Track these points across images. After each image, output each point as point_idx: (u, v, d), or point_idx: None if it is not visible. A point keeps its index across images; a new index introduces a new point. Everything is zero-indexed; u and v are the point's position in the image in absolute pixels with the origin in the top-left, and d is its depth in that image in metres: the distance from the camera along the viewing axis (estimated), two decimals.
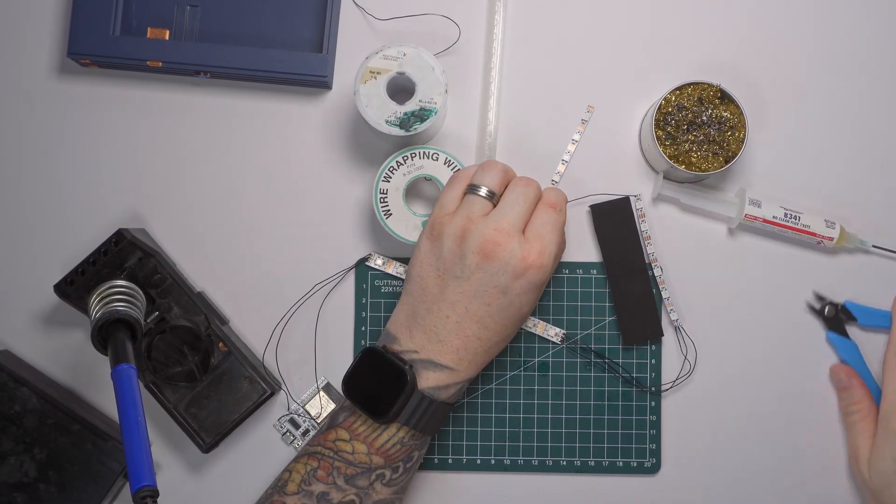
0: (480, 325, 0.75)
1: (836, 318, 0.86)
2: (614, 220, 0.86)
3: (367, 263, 0.86)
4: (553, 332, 0.86)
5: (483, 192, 0.76)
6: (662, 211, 0.87)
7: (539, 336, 0.86)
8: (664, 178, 0.85)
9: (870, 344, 0.86)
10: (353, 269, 0.87)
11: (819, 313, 0.86)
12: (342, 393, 0.77)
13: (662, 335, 0.86)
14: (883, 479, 0.80)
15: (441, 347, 0.75)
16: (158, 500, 0.60)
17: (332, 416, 0.79)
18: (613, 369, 0.86)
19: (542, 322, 0.86)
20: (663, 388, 0.86)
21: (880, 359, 0.86)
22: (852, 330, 0.86)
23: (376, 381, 0.75)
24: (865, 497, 0.83)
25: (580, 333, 0.86)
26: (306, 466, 0.75)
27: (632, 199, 0.86)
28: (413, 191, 0.86)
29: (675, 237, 0.87)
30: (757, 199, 0.84)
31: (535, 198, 0.77)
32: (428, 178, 0.83)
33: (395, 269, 0.86)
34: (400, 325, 0.77)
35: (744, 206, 0.84)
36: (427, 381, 0.75)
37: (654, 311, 0.86)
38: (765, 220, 0.84)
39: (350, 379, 0.77)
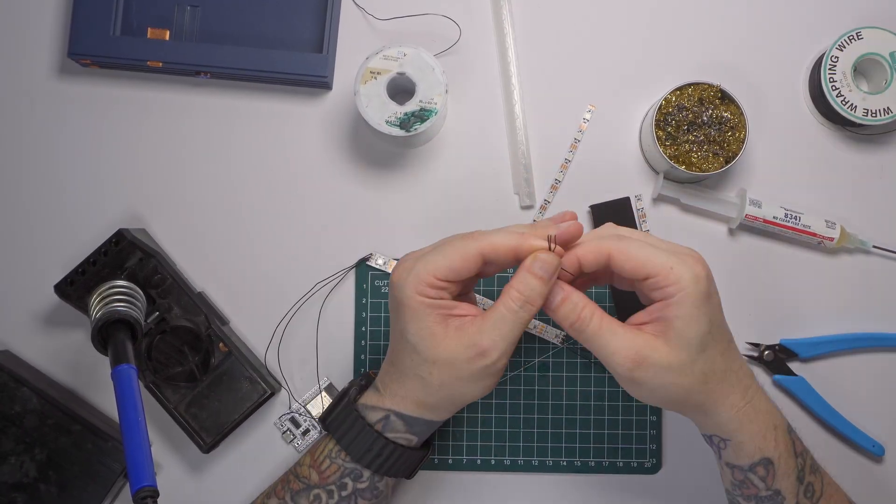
0: (391, 347, 0.73)
1: (776, 359, 0.86)
2: (615, 220, 0.86)
3: (368, 263, 0.86)
4: (553, 335, 0.86)
5: None
6: (663, 211, 0.87)
7: (539, 337, 0.86)
8: (664, 178, 0.85)
9: (814, 374, 0.85)
10: (354, 270, 0.87)
11: (759, 360, 0.86)
12: None
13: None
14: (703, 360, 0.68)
15: (380, 371, 0.75)
16: (159, 500, 0.60)
17: None
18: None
19: (542, 324, 0.86)
20: None
21: (824, 387, 0.85)
22: (794, 365, 0.86)
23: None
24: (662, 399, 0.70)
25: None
26: (277, 481, 0.77)
27: (632, 199, 0.86)
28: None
29: (675, 237, 0.86)
30: (757, 200, 0.84)
31: (451, 242, 0.69)
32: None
33: None
34: None
35: (744, 207, 0.84)
36: (365, 398, 0.74)
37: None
38: (765, 221, 0.84)
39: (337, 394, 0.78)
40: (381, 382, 0.73)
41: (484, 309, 0.70)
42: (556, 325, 0.86)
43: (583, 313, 0.67)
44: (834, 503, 0.74)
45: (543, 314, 0.86)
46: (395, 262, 0.73)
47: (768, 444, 0.70)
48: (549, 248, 0.67)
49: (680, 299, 0.65)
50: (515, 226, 0.70)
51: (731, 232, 0.87)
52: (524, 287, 0.67)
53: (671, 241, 0.69)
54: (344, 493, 0.73)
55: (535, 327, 0.86)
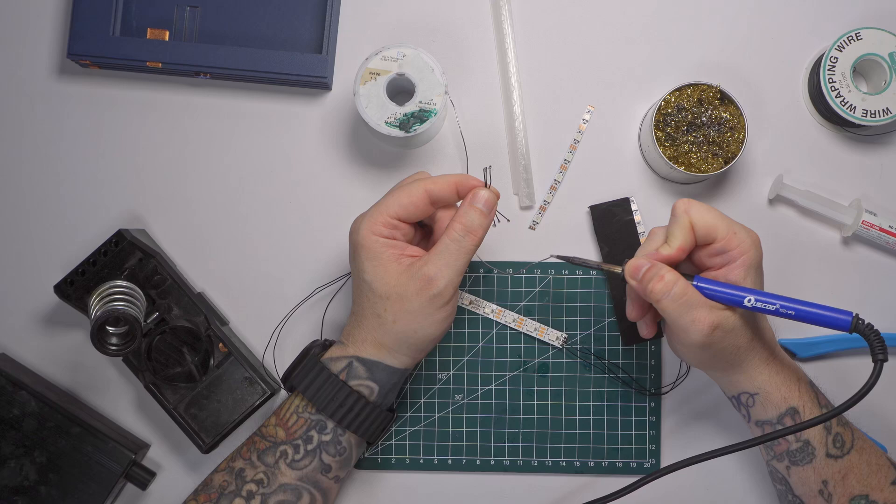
0: (353, 300, 0.77)
1: None
2: (614, 221, 0.86)
3: None
4: (554, 336, 0.86)
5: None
6: (661, 214, 0.87)
7: (538, 339, 0.86)
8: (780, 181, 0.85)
9: (813, 374, 0.84)
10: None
11: None
12: None
13: (662, 336, 0.86)
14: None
15: (346, 326, 0.78)
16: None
17: None
18: (612, 372, 0.86)
19: (542, 326, 0.86)
20: (663, 390, 0.86)
21: (826, 387, 0.84)
22: None
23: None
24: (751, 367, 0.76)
25: (580, 334, 0.86)
26: (241, 444, 0.78)
27: (632, 200, 0.86)
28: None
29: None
30: (873, 210, 0.85)
31: (399, 186, 0.77)
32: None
33: None
34: None
35: (860, 214, 0.84)
36: (328, 353, 0.77)
37: (655, 311, 0.86)
38: (881, 230, 0.85)
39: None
40: (345, 335, 0.78)
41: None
42: (555, 327, 0.86)
43: (667, 277, 0.72)
44: (867, 455, 0.76)
45: (543, 315, 0.86)
46: None
47: (793, 393, 0.75)
48: (486, 186, 0.75)
49: (742, 263, 0.73)
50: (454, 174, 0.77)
51: (845, 240, 0.87)
52: (466, 219, 0.74)
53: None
54: (309, 447, 0.76)
55: (535, 330, 0.86)
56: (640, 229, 0.86)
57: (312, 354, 0.77)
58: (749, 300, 0.72)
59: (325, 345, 0.79)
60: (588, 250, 0.87)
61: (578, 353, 0.86)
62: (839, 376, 0.86)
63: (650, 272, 0.73)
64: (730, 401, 0.79)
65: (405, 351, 0.76)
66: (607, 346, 0.86)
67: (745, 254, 0.73)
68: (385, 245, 0.74)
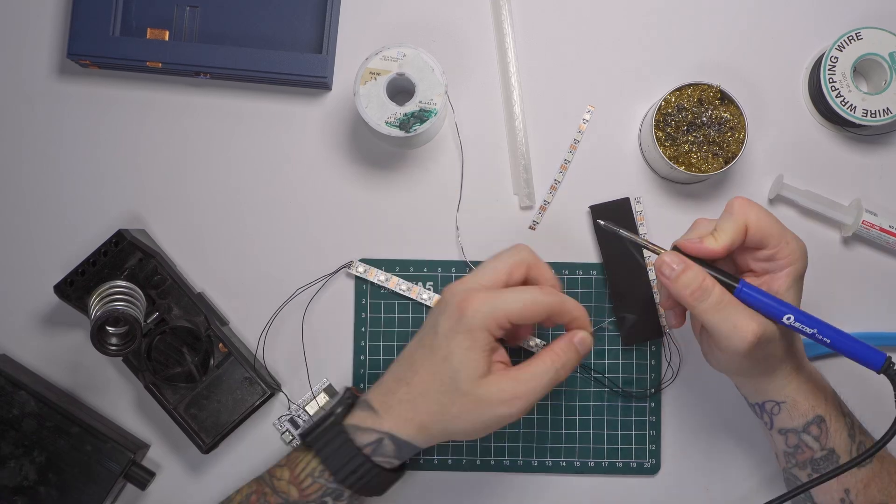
0: (408, 366, 0.72)
1: None
2: (614, 221, 0.86)
3: (348, 270, 0.86)
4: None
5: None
6: (661, 213, 0.87)
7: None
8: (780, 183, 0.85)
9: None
10: (351, 272, 0.87)
11: None
12: None
13: (662, 336, 0.86)
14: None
15: (378, 388, 0.74)
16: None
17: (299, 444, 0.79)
18: (611, 385, 0.86)
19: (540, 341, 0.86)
20: (649, 392, 0.86)
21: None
22: None
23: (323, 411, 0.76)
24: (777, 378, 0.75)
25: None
26: (248, 489, 0.76)
27: (632, 200, 0.86)
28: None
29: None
30: (873, 210, 0.85)
31: (513, 260, 0.72)
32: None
33: (375, 277, 0.86)
34: None
35: (861, 214, 0.84)
36: (353, 418, 0.73)
37: (654, 312, 0.86)
38: (881, 229, 0.84)
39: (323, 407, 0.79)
40: (382, 402, 0.73)
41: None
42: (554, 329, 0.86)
43: (704, 283, 0.69)
44: (888, 465, 0.75)
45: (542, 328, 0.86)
46: (445, 290, 0.72)
47: (819, 401, 0.74)
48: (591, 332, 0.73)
49: (788, 273, 0.71)
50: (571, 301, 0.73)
51: (846, 240, 0.87)
52: (566, 357, 0.71)
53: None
54: None
55: (535, 346, 0.86)
56: (641, 230, 0.86)
57: (335, 420, 0.73)
58: (789, 318, 0.69)
59: (348, 400, 0.75)
60: (589, 251, 0.87)
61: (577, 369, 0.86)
62: (845, 375, 0.86)
63: (685, 276, 0.69)
64: (751, 407, 0.77)
65: (437, 439, 0.73)
66: (608, 345, 0.86)
67: (793, 264, 0.71)
68: (490, 345, 0.70)
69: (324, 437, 0.73)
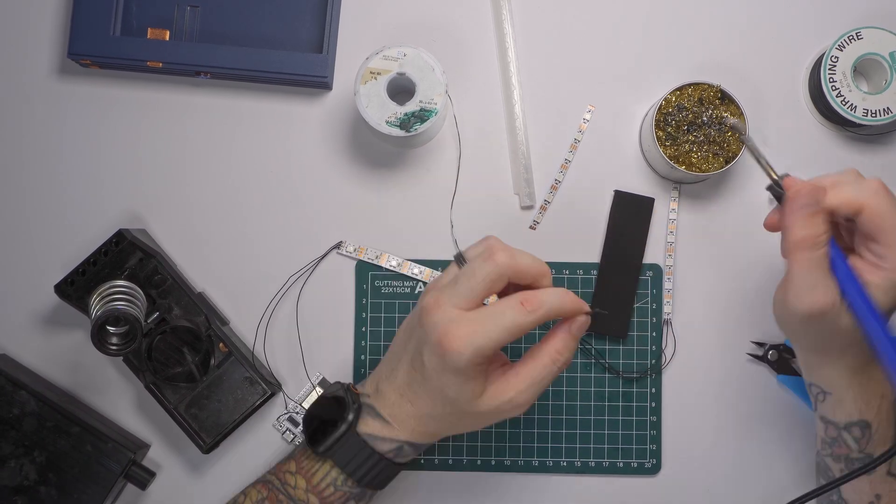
0: (410, 389, 0.72)
1: (780, 359, 0.85)
2: (631, 214, 0.86)
3: (337, 251, 0.86)
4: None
5: (462, 260, 0.72)
6: (660, 212, 0.87)
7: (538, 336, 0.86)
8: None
9: None
10: (354, 269, 0.87)
11: (763, 359, 0.86)
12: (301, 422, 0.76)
13: (625, 337, 0.86)
14: None
15: (383, 398, 0.74)
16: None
17: (295, 448, 0.80)
18: (612, 370, 0.86)
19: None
20: (635, 374, 0.86)
21: None
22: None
23: (327, 414, 0.75)
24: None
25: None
26: (258, 494, 0.76)
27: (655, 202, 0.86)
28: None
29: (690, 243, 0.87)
30: None
31: (491, 276, 0.68)
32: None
33: (366, 255, 0.86)
34: (374, 370, 0.77)
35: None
36: (367, 426, 0.74)
37: (627, 310, 0.85)
38: None
39: (311, 408, 0.77)
40: (391, 415, 0.73)
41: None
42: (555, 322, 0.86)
43: (820, 237, 0.65)
44: None
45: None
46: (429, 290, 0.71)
47: (871, 408, 0.70)
48: (588, 312, 0.71)
49: (888, 279, 0.66)
50: (558, 289, 0.71)
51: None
52: (564, 349, 0.70)
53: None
54: None
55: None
56: (667, 239, 0.86)
57: (351, 430, 0.73)
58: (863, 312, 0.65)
59: (353, 404, 0.74)
60: (589, 251, 0.87)
61: (579, 353, 0.86)
62: None
63: (814, 219, 0.65)
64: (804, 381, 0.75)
65: (445, 437, 0.76)
66: (608, 345, 0.86)
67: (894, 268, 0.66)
68: (482, 371, 0.69)
69: (343, 448, 0.73)
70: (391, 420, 0.73)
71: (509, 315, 0.67)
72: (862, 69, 0.86)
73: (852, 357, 0.69)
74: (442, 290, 0.69)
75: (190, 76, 0.87)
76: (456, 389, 0.69)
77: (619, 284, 0.86)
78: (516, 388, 0.69)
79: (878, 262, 0.66)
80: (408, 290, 0.87)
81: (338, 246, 0.86)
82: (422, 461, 0.86)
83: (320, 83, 0.86)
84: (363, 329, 0.86)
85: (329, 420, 0.74)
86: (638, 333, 0.87)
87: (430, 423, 0.73)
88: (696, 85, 0.82)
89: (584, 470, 0.86)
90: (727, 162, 0.82)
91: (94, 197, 0.87)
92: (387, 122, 0.80)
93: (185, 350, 0.81)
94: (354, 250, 0.86)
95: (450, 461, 0.86)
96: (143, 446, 0.85)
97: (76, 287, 0.81)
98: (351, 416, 0.73)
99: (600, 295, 0.85)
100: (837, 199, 0.66)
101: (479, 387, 0.69)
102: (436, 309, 0.68)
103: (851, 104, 0.84)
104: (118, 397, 0.86)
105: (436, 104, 0.80)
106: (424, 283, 0.86)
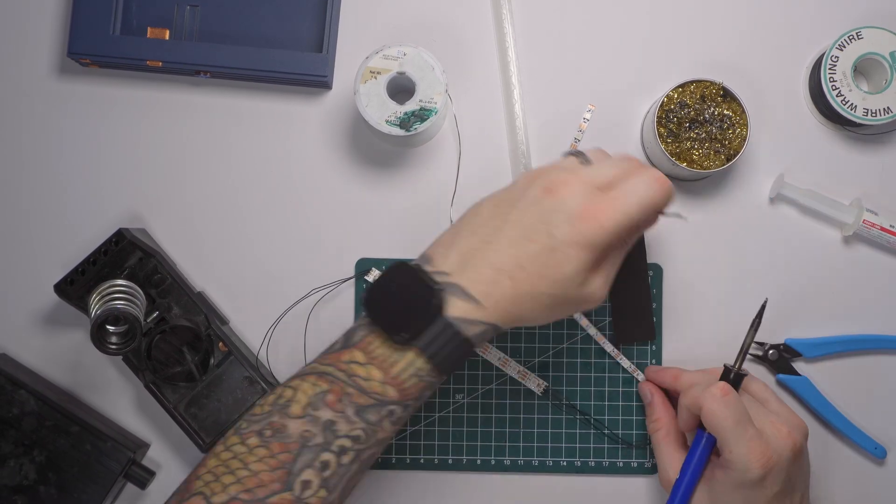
0: (516, 263, 0.66)
1: (780, 359, 0.85)
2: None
3: (367, 278, 0.86)
4: (535, 384, 0.86)
5: (582, 157, 0.72)
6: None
7: (539, 335, 0.86)
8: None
9: (818, 375, 0.86)
10: (353, 275, 0.87)
11: (763, 359, 0.86)
12: (363, 306, 0.68)
13: (653, 338, 0.86)
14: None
15: (471, 275, 0.67)
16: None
17: (347, 334, 0.70)
18: (597, 427, 0.86)
19: (525, 371, 0.85)
20: (635, 374, 0.86)
21: (828, 388, 0.85)
22: (799, 365, 0.86)
23: (401, 299, 0.67)
24: None
25: (580, 333, 0.86)
26: (315, 388, 0.67)
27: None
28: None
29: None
30: (874, 209, 0.85)
31: (629, 166, 0.70)
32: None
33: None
34: (439, 245, 0.70)
35: (861, 213, 0.84)
36: (453, 309, 0.66)
37: (649, 313, 0.85)
38: (882, 229, 0.84)
39: (372, 292, 0.68)
40: (484, 294, 0.66)
41: None
42: (555, 325, 0.86)
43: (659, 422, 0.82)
44: None
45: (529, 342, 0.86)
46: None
47: None
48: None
49: (730, 476, 0.74)
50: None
51: (846, 240, 0.87)
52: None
53: (780, 403, 0.79)
54: (417, 404, 0.69)
55: (518, 373, 0.86)
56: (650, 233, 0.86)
57: (439, 307, 0.66)
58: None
59: (435, 284, 0.67)
60: None
61: (578, 352, 0.86)
62: (846, 377, 0.86)
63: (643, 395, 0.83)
64: None
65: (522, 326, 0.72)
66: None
67: (735, 472, 0.73)
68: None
69: (432, 336, 0.66)
70: (483, 299, 0.66)
71: (642, 190, 0.68)
72: (862, 69, 0.86)
73: None
74: (574, 171, 0.69)
75: (190, 76, 0.87)
76: (574, 267, 0.66)
77: (632, 290, 0.85)
78: (606, 273, 0.69)
79: (723, 460, 0.74)
80: None
81: (366, 273, 0.86)
82: (421, 461, 0.86)
83: (320, 83, 0.86)
84: None
85: (403, 303, 0.67)
86: (637, 348, 0.87)
87: (525, 304, 0.67)
88: (698, 82, 0.82)
89: (584, 470, 0.86)
90: (728, 160, 0.82)
91: (93, 196, 0.87)
92: (387, 122, 0.80)
93: (185, 349, 0.81)
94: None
95: (450, 461, 0.86)
96: (143, 446, 0.85)
97: (76, 286, 0.81)
98: (442, 300, 0.66)
99: (617, 306, 0.85)
100: (686, 399, 0.77)
101: (590, 272, 0.67)
102: (576, 182, 0.67)
103: (851, 104, 0.84)
104: (118, 397, 0.86)
105: (436, 103, 0.80)
106: None
